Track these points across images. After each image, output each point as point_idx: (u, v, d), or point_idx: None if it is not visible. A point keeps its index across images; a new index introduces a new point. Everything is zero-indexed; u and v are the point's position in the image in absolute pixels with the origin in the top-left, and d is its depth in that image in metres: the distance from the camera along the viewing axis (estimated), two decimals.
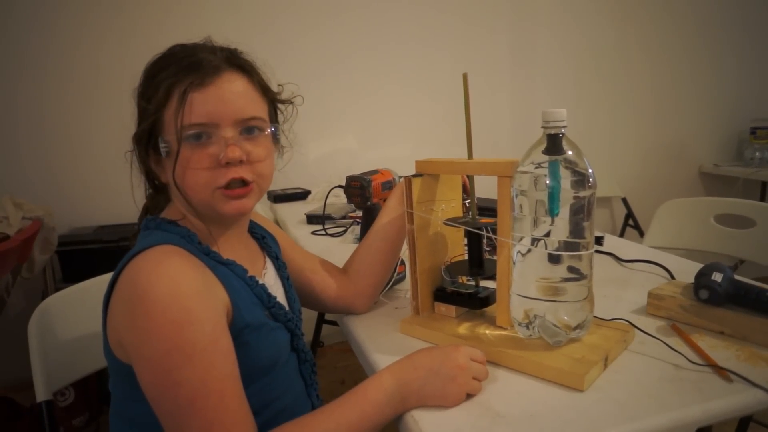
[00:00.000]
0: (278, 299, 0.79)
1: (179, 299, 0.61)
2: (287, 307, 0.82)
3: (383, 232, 0.92)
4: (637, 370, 0.70)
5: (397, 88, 2.56)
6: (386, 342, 0.82)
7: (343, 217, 1.67)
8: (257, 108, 0.73)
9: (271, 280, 0.83)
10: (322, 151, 2.50)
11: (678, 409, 0.61)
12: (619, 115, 2.96)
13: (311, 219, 1.68)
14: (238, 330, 0.69)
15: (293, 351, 0.81)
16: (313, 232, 1.56)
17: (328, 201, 1.62)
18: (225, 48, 0.74)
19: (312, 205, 1.97)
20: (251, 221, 0.88)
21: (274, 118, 0.79)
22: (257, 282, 0.76)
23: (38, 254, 1.86)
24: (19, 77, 2.08)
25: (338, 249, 1.37)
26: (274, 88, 0.79)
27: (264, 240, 0.88)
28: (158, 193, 0.78)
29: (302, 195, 2.13)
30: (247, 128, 0.71)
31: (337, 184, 1.67)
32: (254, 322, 0.72)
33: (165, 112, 0.69)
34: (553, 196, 0.68)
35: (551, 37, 2.77)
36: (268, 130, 0.75)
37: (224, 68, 0.71)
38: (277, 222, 1.89)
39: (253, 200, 0.74)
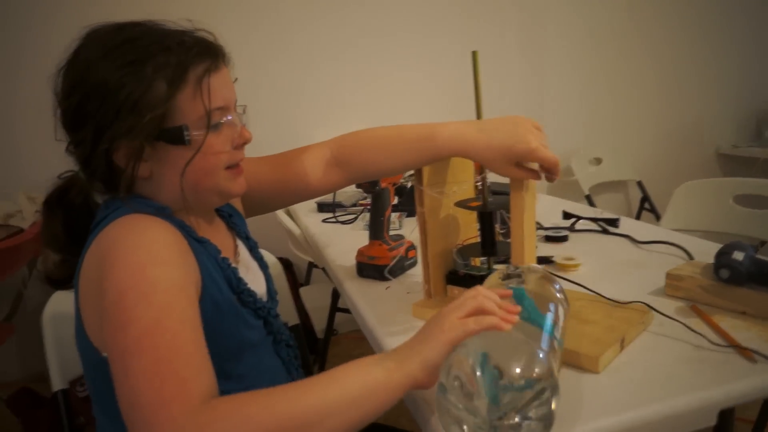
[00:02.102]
0: (252, 283, 0.77)
1: (143, 243, 0.58)
2: (264, 290, 0.81)
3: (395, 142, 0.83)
4: (656, 351, 0.68)
5: (405, 73, 2.54)
6: (398, 326, 0.81)
7: (354, 205, 1.66)
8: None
9: (245, 262, 0.81)
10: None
11: (699, 390, 0.59)
12: (633, 97, 2.91)
13: (322, 207, 1.67)
14: (208, 306, 0.66)
15: (268, 334, 0.79)
16: (323, 220, 1.56)
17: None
18: (201, 29, 0.70)
19: None
20: None
21: None
22: (229, 264, 0.73)
23: None
24: (29, 74, 2.08)
25: (349, 236, 1.37)
26: None
27: (231, 218, 0.85)
28: (111, 191, 0.71)
29: None
30: (239, 111, 0.73)
31: None
32: (222, 303, 0.69)
33: (179, 98, 0.65)
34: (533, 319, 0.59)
35: (562, 16, 2.71)
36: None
37: (222, 53, 0.70)
38: (287, 211, 1.88)
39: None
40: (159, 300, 0.55)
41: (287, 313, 1.15)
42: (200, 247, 0.69)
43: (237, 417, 0.49)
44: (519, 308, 0.58)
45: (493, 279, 0.68)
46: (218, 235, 0.79)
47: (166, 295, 0.56)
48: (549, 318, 0.59)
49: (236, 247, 0.82)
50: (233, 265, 0.74)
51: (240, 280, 0.73)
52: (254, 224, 0.90)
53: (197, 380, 0.53)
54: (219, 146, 0.69)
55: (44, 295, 2.42)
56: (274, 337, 0.80)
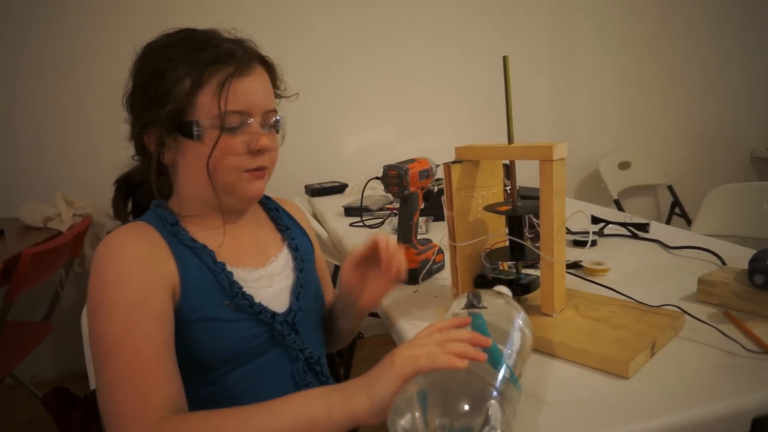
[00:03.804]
0: (264, 290, 0.77)
1: (111, 262, 0.66)
2: (287, 300, 0.80)
3: (343, 308, 0.87)
4: (688, 357, 0.68)
5: (434, 77, 2.54)
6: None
7: (381, 209, 1.67)
8: (273, 101, 0.79)
9: (275, 269, 0.81)
10: (359, 144, 2.51)
11: (733, 397, 0.59)
12: (664, 99, 2.86)
13: (349, 211, 1.69)
14: (185, 314, 0.69)
15: (282, 349, 0.77)
16: (351, 224, 1.57)
17: (365, 193, 1.63)
18: (247, 40, 0.77)
19: (349, 198, 1.98)
20: (282, 211, 0.91)
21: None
22: (223, 268, 0.73)
23: (88, 249, 1.94)
24: (68, 78, 2.15)
25: None
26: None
27: (288, 231, 0.88)
28: (161, 174, 0.78)
29: (339, 188, 2.15)
30: (269, 120, 0.76)
31: (374, 176, 1.67)
32: (207, 308, 0.71)
33: (199, 96, 0.70)
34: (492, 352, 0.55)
35: (592, 18, 2.68)
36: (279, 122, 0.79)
37: (256, 62, 0.75)
38: (315, 216, 1.91)
39: (265, 184, 0.79)
40: (120, 318, 0.63)
41: None
42: (189, 252, 0.73)
43: None
44: (490, 341, 0.55)
45: (455, 308, 0.65)
46: (251, 240, 0.82)
47: (125, 314, 0.63)
48: (505, 351, 0.57)
49: (277, 254, 0.83)
50: (229, 269, 0.74)
51: (234, 283, 0.73)
52: None
53: (156, 395, 0.60)
54: (231, 148, 0.72)
55: (80, 295, 2.50)
56: (289, 355, 0.77)
